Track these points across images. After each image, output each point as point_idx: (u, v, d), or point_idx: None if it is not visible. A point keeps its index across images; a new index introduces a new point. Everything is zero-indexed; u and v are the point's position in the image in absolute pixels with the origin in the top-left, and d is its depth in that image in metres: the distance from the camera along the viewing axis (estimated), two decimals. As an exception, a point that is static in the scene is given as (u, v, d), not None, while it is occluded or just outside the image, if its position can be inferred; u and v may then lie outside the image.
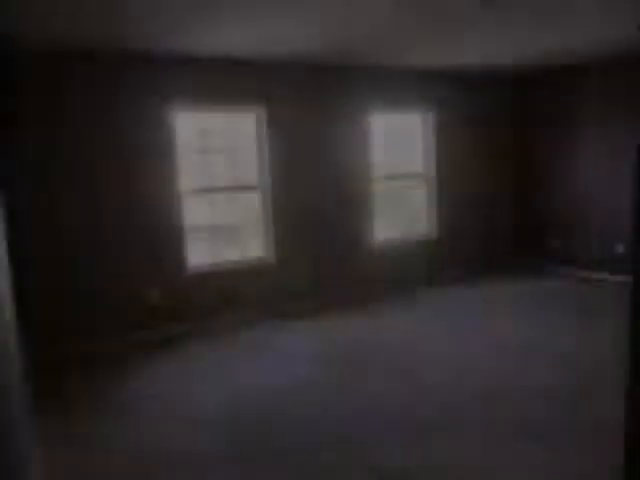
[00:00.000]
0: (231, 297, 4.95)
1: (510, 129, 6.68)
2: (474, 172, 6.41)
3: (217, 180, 4.95)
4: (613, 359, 3.61)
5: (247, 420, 3.06)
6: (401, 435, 2.78)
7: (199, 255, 4.90)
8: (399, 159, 6.08)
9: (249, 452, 2.70)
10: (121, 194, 4.40)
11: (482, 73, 6.20)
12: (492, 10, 3.49)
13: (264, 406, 3.22)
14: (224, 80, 4.76)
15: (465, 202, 6.37)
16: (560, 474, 2.38)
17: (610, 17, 3.84)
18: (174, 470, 2.58)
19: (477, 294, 5.56)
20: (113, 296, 4.45)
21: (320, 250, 5.42)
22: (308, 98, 5.21)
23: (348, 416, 3.03)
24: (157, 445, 2.81)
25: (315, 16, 3.50)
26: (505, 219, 6.79)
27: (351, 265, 5.60)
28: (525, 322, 4.54)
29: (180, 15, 3.32)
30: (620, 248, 5.69)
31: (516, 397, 3.15)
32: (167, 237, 4.63)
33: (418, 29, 3.99)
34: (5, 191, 3.77)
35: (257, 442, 2.79)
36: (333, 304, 5.41)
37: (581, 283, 5.78)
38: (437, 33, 4.14)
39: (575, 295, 5.33)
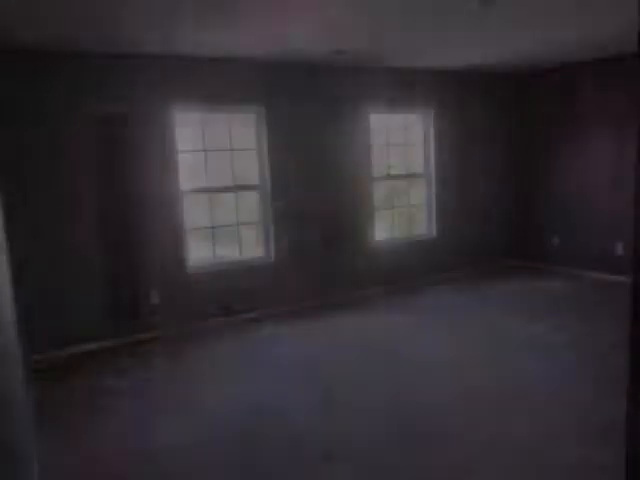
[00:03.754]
0: (231, 297, 4.96)
1: (510, 129, 6.68)
2: (474, 172, 6.41)
3: (217, 180, 4.95)
4: (612, 358, 3.62)
5: (242, 424, 3.07)
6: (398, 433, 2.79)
7: (199, 255, 4.90)
8: (399, 159, 6.08)
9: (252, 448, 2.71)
10: (121, 194, 4.40)
11: (482, 73, 6.19)
12: (492, 9, 3.49)
13: (260, 408, 3.23)
14: (224, 80, 4.76)
15: (465, 201, 6.38)
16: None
17: (610, 16, 3.84)
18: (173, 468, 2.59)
19: (477, 294, 5.55)
20: (113, 296, 4.45)
21: (320, 250, 5.42)
22: (308, 98, 5.21)
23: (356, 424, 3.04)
24: (157, 442, 2.83)
25: (315, 16, 3.50)
26: (505, 219, 6.79)
27: (351, 265, 5.61)
28: (525, 322, 4.54)
29: (180, 16, 3.32)
30: (620, 248, 5.69)
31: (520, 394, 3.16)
32: (167, 237, 4.63)
33: (418, 29, 3.98)
34: (4, 191, 3.77)
35: (254, 443, 2.81)
36: (333, 304, 5.41)
37: (581, 283, 5.78)
38: (437, 33, 4.14)
39: (575, 295, 5.33)
